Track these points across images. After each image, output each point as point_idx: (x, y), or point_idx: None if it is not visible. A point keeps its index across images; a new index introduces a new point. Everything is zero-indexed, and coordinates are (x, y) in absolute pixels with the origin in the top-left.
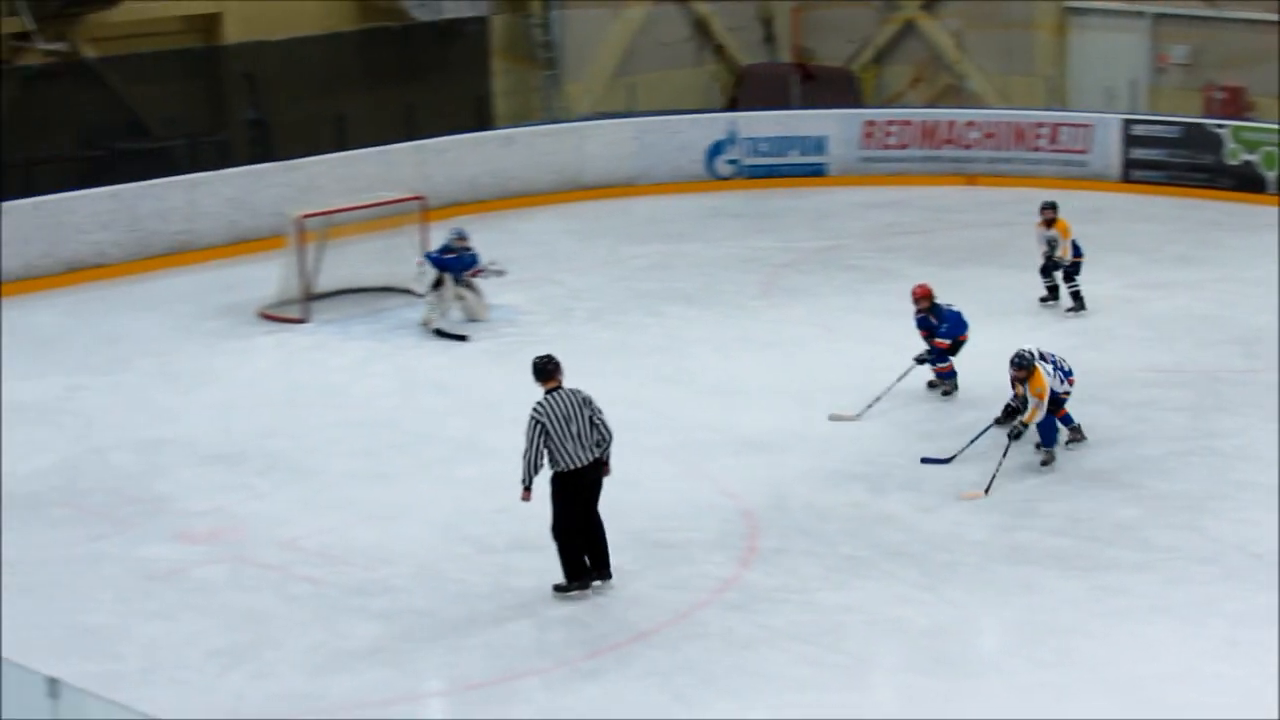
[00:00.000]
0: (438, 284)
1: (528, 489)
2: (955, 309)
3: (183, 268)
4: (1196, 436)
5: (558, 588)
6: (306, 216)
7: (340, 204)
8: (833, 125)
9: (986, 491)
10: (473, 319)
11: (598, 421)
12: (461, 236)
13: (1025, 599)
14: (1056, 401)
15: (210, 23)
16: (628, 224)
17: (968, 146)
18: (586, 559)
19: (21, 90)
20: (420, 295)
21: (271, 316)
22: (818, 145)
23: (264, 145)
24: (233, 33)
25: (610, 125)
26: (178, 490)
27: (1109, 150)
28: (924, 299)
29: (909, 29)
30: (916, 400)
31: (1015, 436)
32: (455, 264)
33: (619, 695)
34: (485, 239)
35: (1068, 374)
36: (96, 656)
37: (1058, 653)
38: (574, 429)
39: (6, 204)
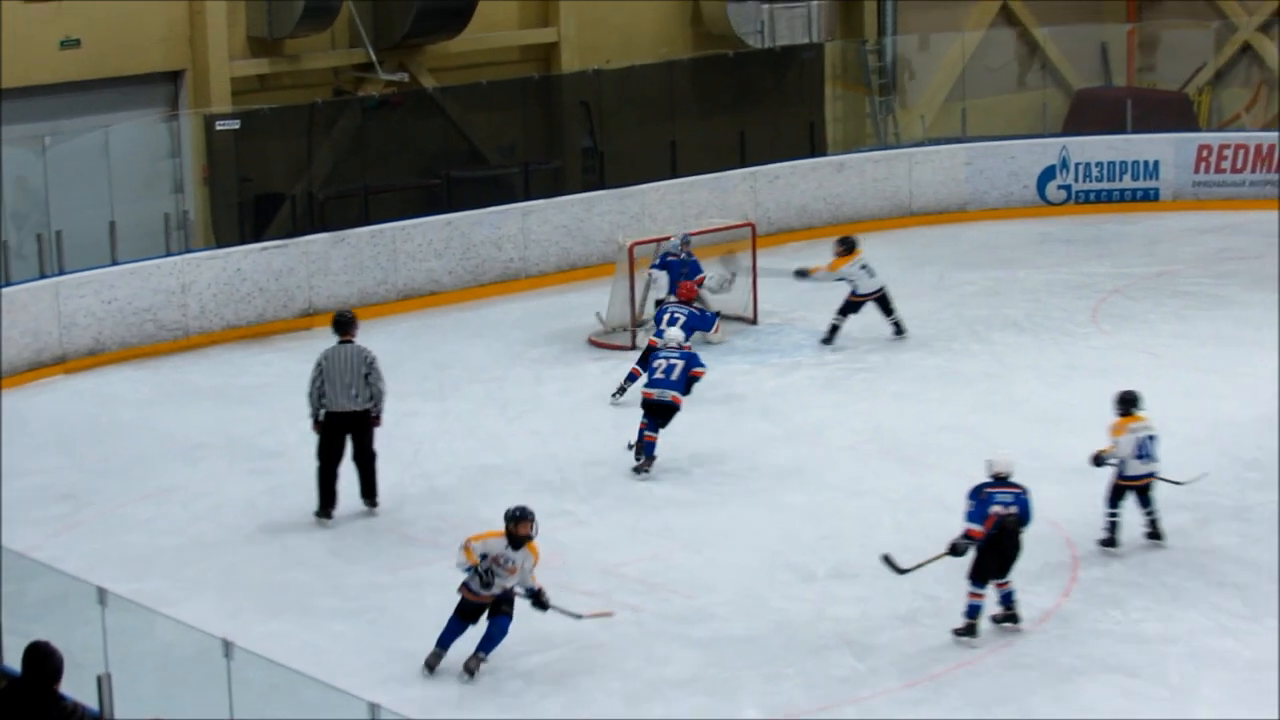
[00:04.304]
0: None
1: (317, 423)
2: (687, 316)
3: (514, 295)
4: None
5: (316, 513)
6: (637, 244)
7: (670, 231)
8: (1166, 149)
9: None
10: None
11: (371, 380)
12: (686, 243)
13: None
14: None
15: (548, 52)
16: (957, 250)
17: None
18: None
19: (361, 120)
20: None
21: (600, 344)
22: (1151, 170)
23: (598, 172)
24: (569, 61)
25: (942, 151)
26: (502, 517)
27: None
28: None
29: (1245, 51)
30: (1245, 430)
31: None
32: (677, 267)
33: None
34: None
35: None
36: (417, 683)
37: None
38: (345, 379)
39: (348, 231)
